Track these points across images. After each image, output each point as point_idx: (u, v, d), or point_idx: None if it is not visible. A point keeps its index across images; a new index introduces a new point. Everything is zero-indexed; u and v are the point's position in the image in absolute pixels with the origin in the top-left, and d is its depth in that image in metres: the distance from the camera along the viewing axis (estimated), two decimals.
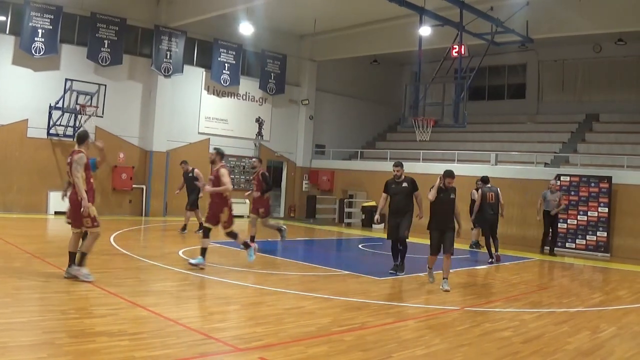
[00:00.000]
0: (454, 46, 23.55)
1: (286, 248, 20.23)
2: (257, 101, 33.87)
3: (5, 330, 7.71)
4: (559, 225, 23.93)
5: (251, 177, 19.17)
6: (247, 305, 11.04)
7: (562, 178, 25.01)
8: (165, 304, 10.33)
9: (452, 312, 11.44)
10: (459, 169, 28.30)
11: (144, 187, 29.86)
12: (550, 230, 23.08)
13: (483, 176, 21.30)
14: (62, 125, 27.18)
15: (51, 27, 26.67)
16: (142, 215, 29.69)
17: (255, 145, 33.81)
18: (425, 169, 28.31)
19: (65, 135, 27.34)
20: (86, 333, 8.06)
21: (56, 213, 26.48)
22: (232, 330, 9.07)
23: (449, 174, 13.59)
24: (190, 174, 22.47)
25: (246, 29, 29.56)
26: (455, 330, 9.81)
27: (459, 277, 16.03)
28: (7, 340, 7.22)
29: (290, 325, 9.40)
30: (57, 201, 26.32)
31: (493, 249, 19.67)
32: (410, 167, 30.92)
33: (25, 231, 21.23)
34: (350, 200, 33.36)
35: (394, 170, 15.26)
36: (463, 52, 23.46)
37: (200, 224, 19.14)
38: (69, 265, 11.80)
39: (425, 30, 24.25)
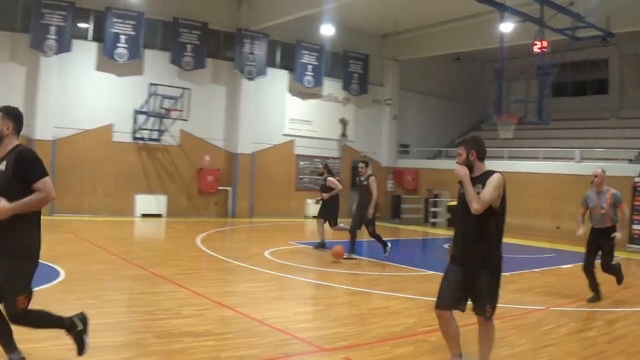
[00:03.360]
0: (535, 42, 22.64)
1: (372, 248, 19.43)
2: (340, 102, 33.14)
3: (92, 331, 7.28)
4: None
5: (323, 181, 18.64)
6: (332, 305, 10.87)
7: None
8: (251, 305, 10.22)
9: (537, 312, 11.12)
10: (543, 166, 27.78)
11: (230, 189, 29.38)
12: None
13: None
14: (147, 129, 27.19)
15: (134, 33, 26.69)
16: (228, 216, 29.18)
17: (340, 146, 33.07)
18: (509, 167, 27.05)
19: (150, 139, 27.38)
20: (172, 333, 8.07)
21: (143, 215, 26.67)
22: (318, 331, 8.92)
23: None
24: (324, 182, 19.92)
25: (328, 30, 29.39)
26: (541, 331, 9.56)
27: (545, 276, 15.66)
28: (94, 341, 6.96)
29: (376, 325, 9.23)
30: (144, 204, 27.10)
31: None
32: (494, 166, 29.87)
33: (111, 234, 21.03)
34: (436, 199, 32.41)
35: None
36: (544, 48, 22.59)
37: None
38: None
39: (506, 27, 23.46)
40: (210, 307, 9.84)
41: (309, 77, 31.35)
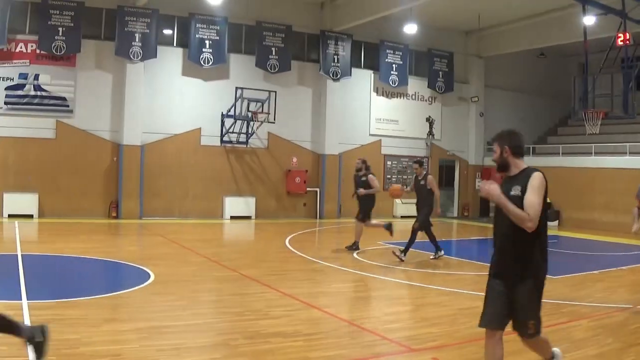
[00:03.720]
0: (619, 35, 21.23)
1: (461, 247, 19.02)
2: (426, 100, 31.35)
3: (183, 332, 7.65)
4: None
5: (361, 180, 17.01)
6: (421, 305, 10.41)
7: None
8: (340, 305, 10.09)
9: (625, 310, 10.27)
10: (631, 162, 25.30)
11: (318, 190, 28.13)
12: None
13: None
14: (235, 133, 26.05)
15: (218, 38, 25.72)
16: (316, 217, 27.91)
17: (427, 145, 31.25)
18: (596, 163, 25.80)
19: (238, 142, 26.26)
20: (261, 334, 7.84)
21: (232, 218, 25.73)
22: (406, 331, 8.62)
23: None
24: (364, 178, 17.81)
25: (411, 28, 27.34)
26: (629, 329, 8.93)
27: (634, 274, 14.54)
28: (183, 342, 7.17)
29: (464, 325, 8.76)
30: (233, 206, 26.11)
31: None
32: (581, 162, 28.33)
33: (201, 236, 20.68)
34: None
35: None
36: (627, 41, 21.10)
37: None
38: None
39: (589, 20, 22.38)
40: (299, 308, 9.58)
41: (394, 77, 29.67)
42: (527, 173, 5.43)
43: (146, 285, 10.75)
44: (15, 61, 23.67)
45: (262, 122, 25.85)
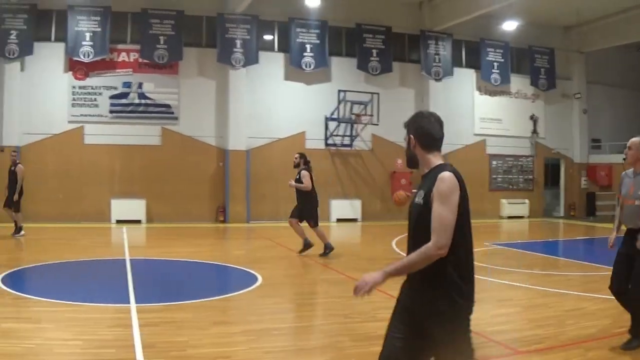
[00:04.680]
0: None
1: (567, 247, 17.30)
2: (529, 98, 26.51)
3: (290, 334, 7.18)
4: None
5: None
6: (528, 307, 8.92)
7: None
8: None
9: None
10: None
11: None
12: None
13: None
14: (339, 135, 22.26)
15: (318, 42, 21.96)
16: None
17: (531, 144, 26.38)
18: None
19: (342, 145, 22.42)
20: (368, 337, 6.84)
21: (338, 220, 22.01)
22: (513, 333, 7.46)
23: None
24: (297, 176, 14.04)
25: (510, 25, 23.39)
26: None
27: None
28: (291, 344, 6.73)
29: (571, 327, 7.50)
30: (338, 209, 22.67)
31: None
32: None
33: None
34: None
35: None
36: None
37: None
38: None
39: None
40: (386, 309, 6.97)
41: (495, 75, 25.14)
42: (434, 173, 3.48)
43: (254, 288, 9.63)
44: (118, 70, 20.73)
45: (365, 124, 21.96)
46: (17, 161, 16.51)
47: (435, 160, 3.61)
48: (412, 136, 3.64)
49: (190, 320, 7.51)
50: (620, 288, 6.46)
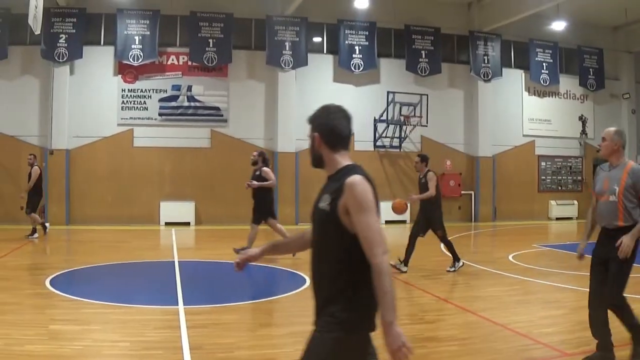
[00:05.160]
0: None
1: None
2: (578, 99, 24.53)
3: None
4: None
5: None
6: (576, 308, 7.71)
7: None
8: (495, 309, 8.02)
9: None
10: None
11: (472, 192, 21.94)
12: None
13: None
14: (388, 137, 20.41)
15: (367, 43, 20.24)
16: (471, 221, 21.85)
17: (580, 144, 24.42)
18: None
19: (391, 147, 20.55)
20: (416, 338, 6.23)
21: (387, 222, 20.08)
22: (560, 335, 6.67)
23: None
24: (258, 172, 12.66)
25: (559, 25, 21.41)
26: None
27: None
28: None
29: (619, 329, 5.82)
30: (387, 210, 21.50)
31: None
32: None
33: None
34: None
35: None
36: None
37: None
38: None
39: None
40: (454, 312, 7.83)
41: (544, 75, 23.15)
42: (341, 176, 2.88)
43: (301, 290, 8.85)
44: (167, 73, 19.12)
45: (414, 126, 20.00)
46: (35, 164, 15.33)
47: (343, 160, 3.00)
48: (316, 134, 3.01)
49: (237, 322, 7.15)
50: (595, 301, 5.66)
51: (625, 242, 5.11)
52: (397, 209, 10.13)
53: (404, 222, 20.44)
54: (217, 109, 19.40)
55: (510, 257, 13.03)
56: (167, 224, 18.99)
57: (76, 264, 11.19)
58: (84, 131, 18.79)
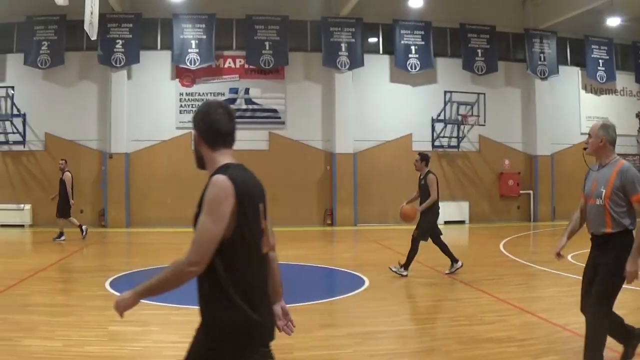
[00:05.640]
0: None
1: None
2: (635, 95, 23.71)
3: (396, 337, 6.53)
4: None
5: None
6: (636, 309, 7.53)
7: None
8: (554, 310, 7.72)
9: None
10: None
11: (531, 192, 21.42)
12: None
13: None
14: (446, 137, 20.12)
15: (423, 43, 20.00)
16: (530, 220, 21.35)
17: (638, 142, 23.67)
18: None
19: (449, 147, 20.28)
20: (474, 340, 6.20)
21: (445, 222, 19.49)
22: None
23: None
24: None
25: (613, 21, 20.98)
26: None
27: None
28: (397, 347, 6.11)
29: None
30: (446, 211, 20.55)
31: None
32: None
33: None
34: None
35: None
36: None
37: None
38: None
39: None
40: (513, 313, 7.59)
41: (601, 72, 22.54)
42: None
43: (361, 291, 8.89)
44: (225, 77, 19.19)
45: (472, 125, 19.73)
46: (66, 169, 15.36)
47: (222, 159, 2.79)
48: (195, 132, 2.82)
49: (296, 323, 6.38)
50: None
51: (629, 269, 4.54)
52: (405, 217, 9.91)
53: (462, 222, 20.09)
54: (275, 111, 19.29)
55: (569, 257, 12.24)
56: None
57: (136, 266, 11.26)
58: (143, 135, 18.84)
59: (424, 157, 10.29)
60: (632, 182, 4.59)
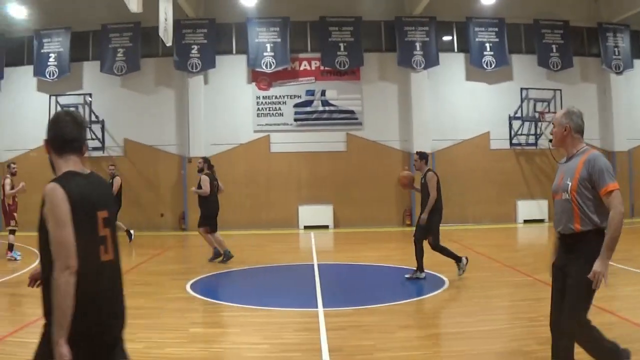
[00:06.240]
0: None
1: None
2: None
3: (475, 338, 6.25)
4: None
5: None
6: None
7: None
8: (635, 309, 7.49)
9: None
10: None
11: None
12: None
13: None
14: (524, 135, 19.77)
15: (498, 40, 19.89)
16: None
17: None
18: None
19: (527, 144, 19.86)
20: None
21: (525, 221, 19.65)
22: None
23: None
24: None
25: None
26: None
27: None
28: (472, 348, 5.84)
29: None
30: (525, 209, 19.37)
31: None
32: None
33: (495, 241, 16.01)
34: None
35: None
36: None
37: None
38: None
39: None
40: (592, 312, 5.62)
41: None
42: None
43: (441, 292, 8.76)
44: (301, 79, 19.22)
45: (549, 122, 18.85)
46: (116, 174, 15.47)
47: (66, 165, 2.83)
48: (44, 140, 2.91)
49: (376, 324, 6.92)
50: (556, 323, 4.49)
51: (596, 269, 3.96)
52: (402, 183, 9.94)
53: (542, 221, 19.79)
54: (352, 112, 19.27)
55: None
56: (305, 227, 19.03)
57: (216, 269, 11.30)
58: (221, 138, 19.03)
59: (423, 156, 10.10)
60: (600, 173, 4.01)
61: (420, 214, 9.57)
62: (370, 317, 7.26)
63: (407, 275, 9.65)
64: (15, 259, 12.18)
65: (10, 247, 12.26)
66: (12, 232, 12.50)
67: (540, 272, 10.14)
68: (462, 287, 9.21)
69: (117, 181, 15.11)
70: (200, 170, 12.27)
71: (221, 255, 11.79)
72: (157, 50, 19.54)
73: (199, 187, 11.98)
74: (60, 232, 2.61)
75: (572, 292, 4.12)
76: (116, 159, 18.67)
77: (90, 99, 19.44)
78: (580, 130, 4.26)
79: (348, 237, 17.39)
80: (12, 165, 13.23)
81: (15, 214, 12.73)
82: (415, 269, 9.56)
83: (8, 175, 12.82)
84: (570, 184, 4.12)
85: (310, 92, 19.26)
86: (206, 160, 12.47)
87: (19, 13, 18.91)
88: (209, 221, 11.99)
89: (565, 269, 4.17)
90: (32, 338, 6.29)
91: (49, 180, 2.74)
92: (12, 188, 12.51)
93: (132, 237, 15.43)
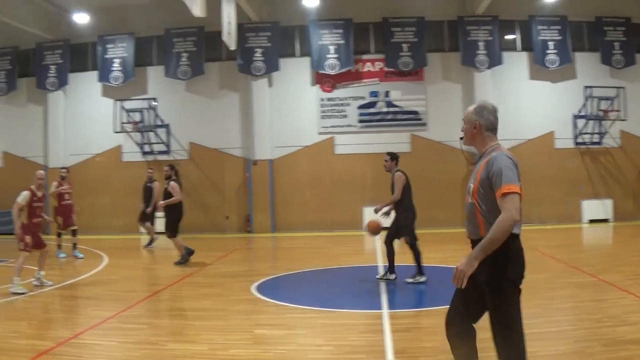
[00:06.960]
0: None
1: None
2: None
3: (536, 339, 5.95)
4: None
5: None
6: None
7: None
8: None
9: None
10: None
11: None
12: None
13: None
14: (588, 133, 19.47)
15: (560, 38, 19.53)
16: None
17: None
18: None
19: (592, 143, 19.56)
20: (618, 341, 5.88)
21: (590, 221, 19.30)
22: None
23: None
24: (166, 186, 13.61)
25: None
26: None
27: None
28: (536, 350, 5.49)
29: None
30: (590, 209, 19.21)
31: None
32: None
33: (559, 241, 15.76)
34: None
35: None
36: None
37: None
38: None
39: None
40: None
41: None
42: None
43: None
44: (364, 80, 19.25)
45: (613, 120, 19.17)
46: (154, 178, 15.64)
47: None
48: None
49: (440, 326, 6.08)
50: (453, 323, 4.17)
51: (459, 267, 3.67)
52: (370, 229, 9.61)
53: (605, 220, 19.59)
54: (416, 112, 19.28)
55: None
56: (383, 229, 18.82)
57: (281, 270, 11.43)
58: (285, 141, 19.24)
59: (393, 157, 10.10)
60: (497, 173, 3.60)
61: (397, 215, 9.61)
62: (433, 319, 7.17)
63: (408, 280, 9.61)
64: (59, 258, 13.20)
65: (68, 246, 13.21)
66: (59, 234, 13.47)
67: (605, 272, 10.13)
68: (525, 288, 9.22)
69: (156, 185, 15.35)
70: (168, 178, 12.43)
71: (190, 254, 12.37)
72: (220, 54, 19.73)
73: (168, 195, 12.21)
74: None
75: (496, 312, 3.91)
76: (181, 163, 18.79)
77: (155, 103, 19.63)
78: (491, 128, 3.86)
79: None
80: (62, 170, 13.91)
81: (58, 217, 13.37)
82: (415, 272, 9.64)
83: (58, 180, 13.54)
84: (472, 186, 3.78)
85: (374, 94, 19.31)
86: (172, 167, 12.67)
87: (82, 19, 19.15)
88: (176, 226, 12.28)
89: (476, 279, 3.76)
90: (96, 340, 6.55)
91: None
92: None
93: (152, 245, 15.61)
